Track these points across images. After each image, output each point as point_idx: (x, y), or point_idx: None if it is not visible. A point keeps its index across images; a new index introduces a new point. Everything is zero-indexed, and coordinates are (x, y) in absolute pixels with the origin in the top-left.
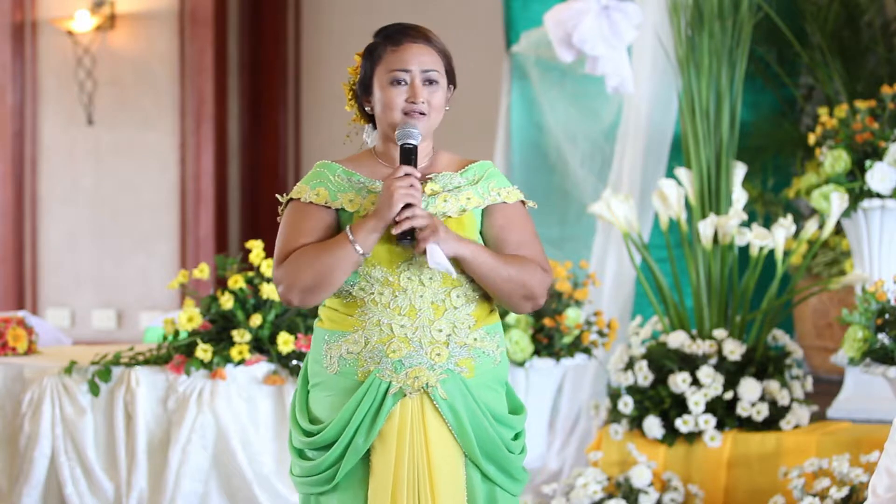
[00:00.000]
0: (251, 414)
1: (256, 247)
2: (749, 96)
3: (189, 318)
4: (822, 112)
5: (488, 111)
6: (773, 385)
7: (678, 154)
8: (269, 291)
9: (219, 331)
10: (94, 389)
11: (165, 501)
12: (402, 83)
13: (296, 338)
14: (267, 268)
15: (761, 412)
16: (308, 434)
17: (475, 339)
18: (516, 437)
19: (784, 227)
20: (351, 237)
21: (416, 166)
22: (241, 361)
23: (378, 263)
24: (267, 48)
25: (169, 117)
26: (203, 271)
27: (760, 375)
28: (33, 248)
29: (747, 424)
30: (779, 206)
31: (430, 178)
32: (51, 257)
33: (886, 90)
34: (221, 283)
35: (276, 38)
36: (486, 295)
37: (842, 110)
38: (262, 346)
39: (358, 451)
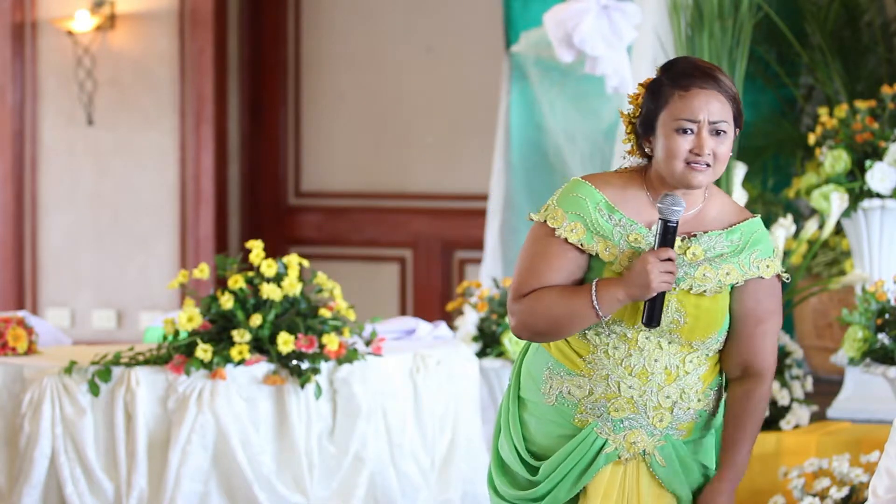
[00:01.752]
0: (251, 414)
1: (256, 247)
2: (749, 96)
3: (189, 318)
4: (822, 112)
5: (488, 111)
6: (773, 385)
7: None
8: (269, 291)
9: (219, 331)
10: (94, 389)
11: (165, 501)
12: (689, 132)
13: (296, 338)
14: (267, 268)
15: None
16: (520, 457)
17: (699, 401)
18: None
19: (784, 226)
20: (595, 300)
21: (673, 244)
22: (242, 361)
23: (619, 318)
24: (267, 48)
25: (169, 117)
26: (203, 271)
27: None
28: (33, 247)
29: None
30: (779, 206)
31: (695, 238)
32: (50, 257)
33: (886, 90)
34: (221, 283)
35: (276, 38)
36: (714, 356)
37: (842, 110)
38: (263, 346)
39: (558, 499)
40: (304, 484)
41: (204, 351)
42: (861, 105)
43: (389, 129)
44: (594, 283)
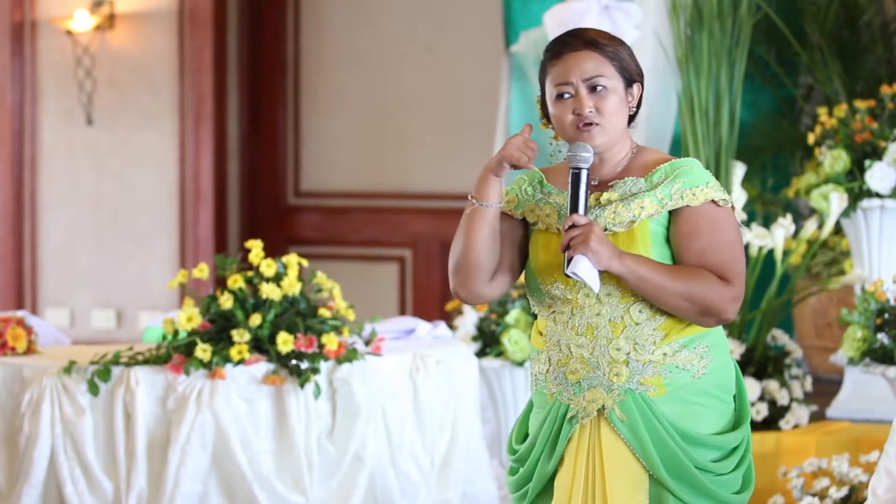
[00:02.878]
0: (250, 414)
1: (256, 246)
2: (748, 96)
3: (188, 317)
4: (822, 112)
5: (487, 111)
6: (773, 385)
7: (677, 153)
8: (268, 291)
9: (218, 330)
10: (94, 389)
11: (165, 501)
12: (567, 96)
13: (295, 337)
14: (267, 267)
15: (760, 412)
16: (512, 450)
17: (664, 355)
18: (727, 456)
19: (783, 226)
20: (470, 197)
21: (588, 188)
22: (241, 361)
23: (556, 281)
24: (266, 47)
25: (168, 117)
26: (202, 271)
27: (760, 375)
28: (32, 247)
29: None
30: (778, 206)
31: (612, 187)
32: (50, 257)
33: (886, 90)
34: (221, 283)
35: (275, 38)
36: None
37: (841, 110)
38: (262, 345)
39: (544, 474)
40: (303, 484)
41: (203, 351)
42: (860, 105)
43: (389, 129)
44: None
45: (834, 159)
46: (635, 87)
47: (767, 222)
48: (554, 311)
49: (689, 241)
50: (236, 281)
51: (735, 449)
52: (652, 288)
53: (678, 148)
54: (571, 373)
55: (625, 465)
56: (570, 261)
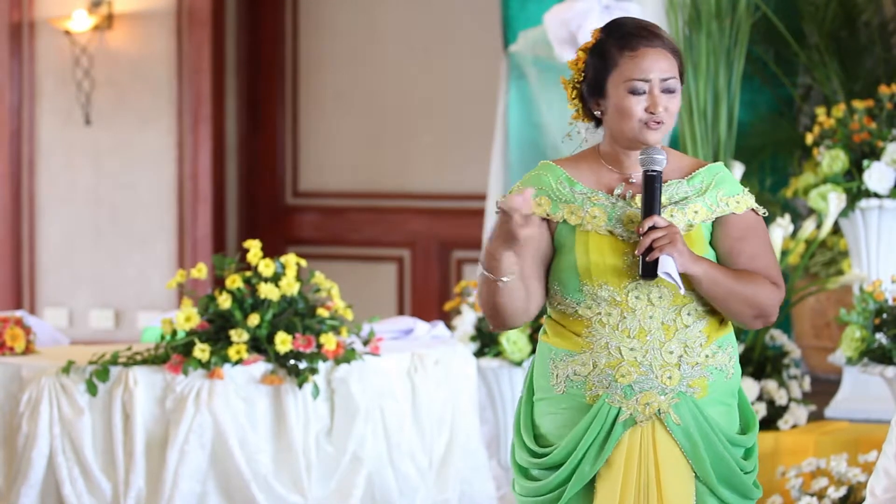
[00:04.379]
0: (249, 414)
1: (254, 246)
2: (746, 96)
3: (187, 317)
4: (820, 112)
5: (486, 111)
6: (771, 385)
7: None
8: (266, 291)
9: (216, 330)
10: (92, 389)
11: (163, 501)
12: (641, 92)
13: (293, 337)
14: (265, 267)
15: (759, 412)
16: (535, 455)
17: (707, 357)
18: (747, 453)
19: (782, 226)
20: (484, 271)
21: (661, 193)
22: (239, 361)
23: (605, 283)
24: (265, 47)
25: (166, 117)
26: (201, 271)
27: (758, 375)
28: (31, 247)
29: None
30: (776, 206)
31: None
32: (48, 257)
33: (884, 90)
34: (219, 283)
35: (273, 38)
36: (715, 308)
37: (839, 110)
38: (260, 345)
39: (584, 477)
40: (301, 484)
41: (202, 351)
42: (859, 105)
43: (387, 129)
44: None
45: (832, 159)
46: (681, 89)
47: (766, 223)
48: (598, 314)
49: (741, 246)
50: (234, 281)
51: (752, 448)
52: (724, 291)
53: (677, 148)
54: (622, 376)
55: (678, 469)
56: (649, 262)
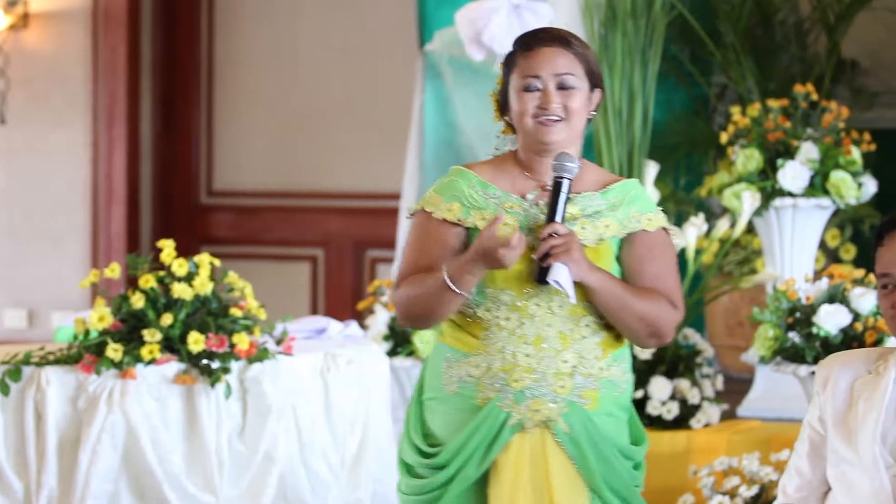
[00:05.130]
0: (161, 413)
1: (168, 246)
2: (662, 95)
3: (100, 317)
4: (735, 111)
5: (401, 110)
6: (684, 384)
7: (590, 152)
8: (180, 291)
9: (129, 330)
10: (4, 389)
11: (76, 501)
12: (534, 89)
13: (206, 337)
14: (178, 267)
15: (671, 411)
16: (423, 454)
17: (601, 369)
18: (636, 466)
19: (696, 225)
20: (448, 281)
21: (566, 201)
22: (152, 361)
23: (507, 287)
24: (180, 47)
25: (81, 116)
26: (114, 271)
27: (671, 374)
28: None
29: (657, 423)
30: (690, 205)
31: (570, 200)
32: None
33: (799, 89)
34: (132, 283)
35: (188, 38)
36: (613, 328)
37: (754, 109)
38: (173, 345)
39: (468, 478)
40: (213, 483)
41: (114, 350)
42: (773, 104)
43: (302, 128)
44: (445, 264)
45: (747, 158)
46: (596, 93)
47: (680, 221)
48: (497, 317)
49: (644, 265)
50: (148, 280)
51: (641, 463)
52: (618, 305)
53: (591, 147)
54: (515, 381)
55: (569, 478)
56: (545, 268)
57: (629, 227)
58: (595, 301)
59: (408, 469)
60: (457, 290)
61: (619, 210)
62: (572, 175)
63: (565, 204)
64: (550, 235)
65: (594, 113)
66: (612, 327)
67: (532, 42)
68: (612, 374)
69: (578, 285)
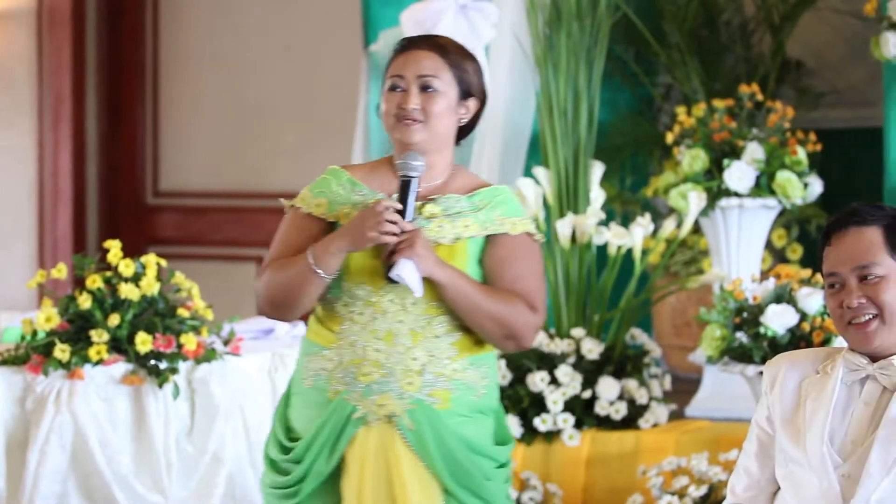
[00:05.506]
0: (109, 414)
1: (114, 246)
2: (607, 95)
3: (47, 318)
4: (680, 111)
5: (347, 110)
6: (632, 384)
7: (536, 153)
8: (127, 291)
9: (77, 331)
10: None
11: (24, 502)
12: (399, 89)
13: (154, 338)
14: (125, 268)
15: (620, 411)
16: (283, 448)
17: (454, 370)
18: (502, 467)
19: (642, 225)
20: (311, 261)
21: (414, 199)
22: (100, 361)
23: (363, 282)
24: (125, 47)
25: (26, 116)
26: (61, 271)
27: (619, 374)
28: None
29: (606, 423)
30: (637, 205)
31: (433, 200)
32: None
33: (744, 89)
34: (79, 283)
35: (134, 37)
36: (473, 333)
37: (700, 109)
38: (121, 346)
39: (320, 473)
40: (162, 483)
41: (62, 351)
42: (719, 104)
43: (248, 129)
44: (311, 246)
45: (692, 158)
46: (471, 102)
47: (626, 221)
48: (352, 311)
49: (504, 267)
50: (95, 281)
51: (506, 464)
52: (468, 303)
53: (537, 147)
54: (364, 375)
55: (419, 474)
56: (393, 265)
57: (490, 229)
58: (445, 298)
59: (271, 464)
60: (318, 271)
61: (481, 212)
62: (418, 173)
63: (413, 202)
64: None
65: (464, 121)
66: (472, 336)
67: (407, 45)
68: (469, 377)
69: (433, 284)
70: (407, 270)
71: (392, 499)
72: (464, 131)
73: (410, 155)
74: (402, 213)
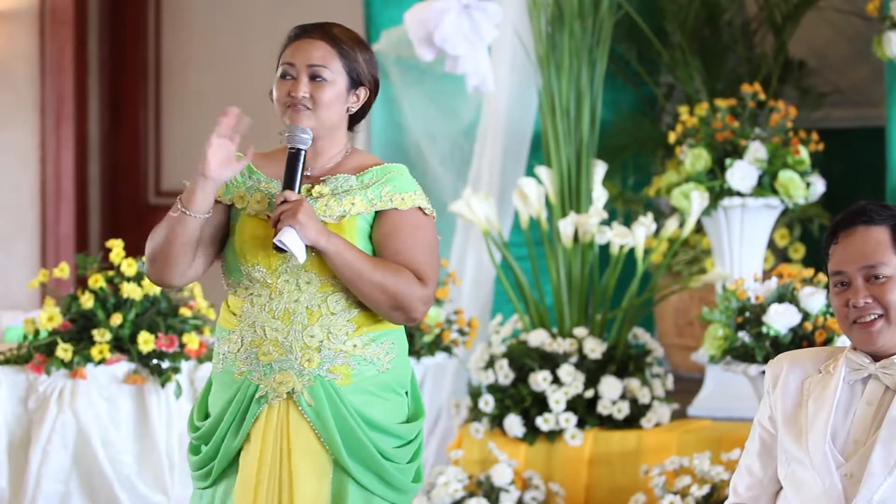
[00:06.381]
0: (111, 413)
1: (117, 246)
2: (609, 95)
3: (49, 317)
4: (683, 110)
5: None
6: (634, 383)
7: (538, 152)
8: (129, 291)
9: (79, 330)
10: None
11: (26, 501)
12: (289, 77)
13: (156, 337)
14: (127, 267)
15: (622, 410)
16: (195, 429)
17: (354, 346)
18: (405, 445)
19: (644, 225)
20: (179, 205)
21: (303, 169)
22: (102, 361)
23: (258, 264)
24: (127, 47)
25: (29, 116)
26: (63, 270)
27: (621, 374)
28: None
29: (608, 423)
30: (639, 205)
31: (323, 181)
32: None
33: (746, 89)
34: (82, 283)
35: (136, 37)
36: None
37: (702, 109)
38: (123, 345)
39: (230, 452)
40: (164, 483)
41: (64, 350)
42: (721, 103)
43: (250, 129)
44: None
45: (695, 158)
46: (361, 91)
47: (628, 221)
48: (251, 294)
49: (389, 240)
50: (97, 280)
51: (412, 441)
52: (353, 272)
53: (539, 147)
54: (264, 354)
55: (310, 449)
56: (277, 233)
57: (378, 205)
58: (332, 267)
59: (192, 448)
60: (185, 210)
61: (370, 189)
62: (305, 146)
63: (301, 174)
64: (283, 203)
65: (354, 109)
66: (372, 314)
67: (300, 33)
68: (370, 353)
69: (320, 260)
70: (289, 238)
71: (283, 473)
72: (355, 118)
73: (298, 128)
74: (289, 184)
